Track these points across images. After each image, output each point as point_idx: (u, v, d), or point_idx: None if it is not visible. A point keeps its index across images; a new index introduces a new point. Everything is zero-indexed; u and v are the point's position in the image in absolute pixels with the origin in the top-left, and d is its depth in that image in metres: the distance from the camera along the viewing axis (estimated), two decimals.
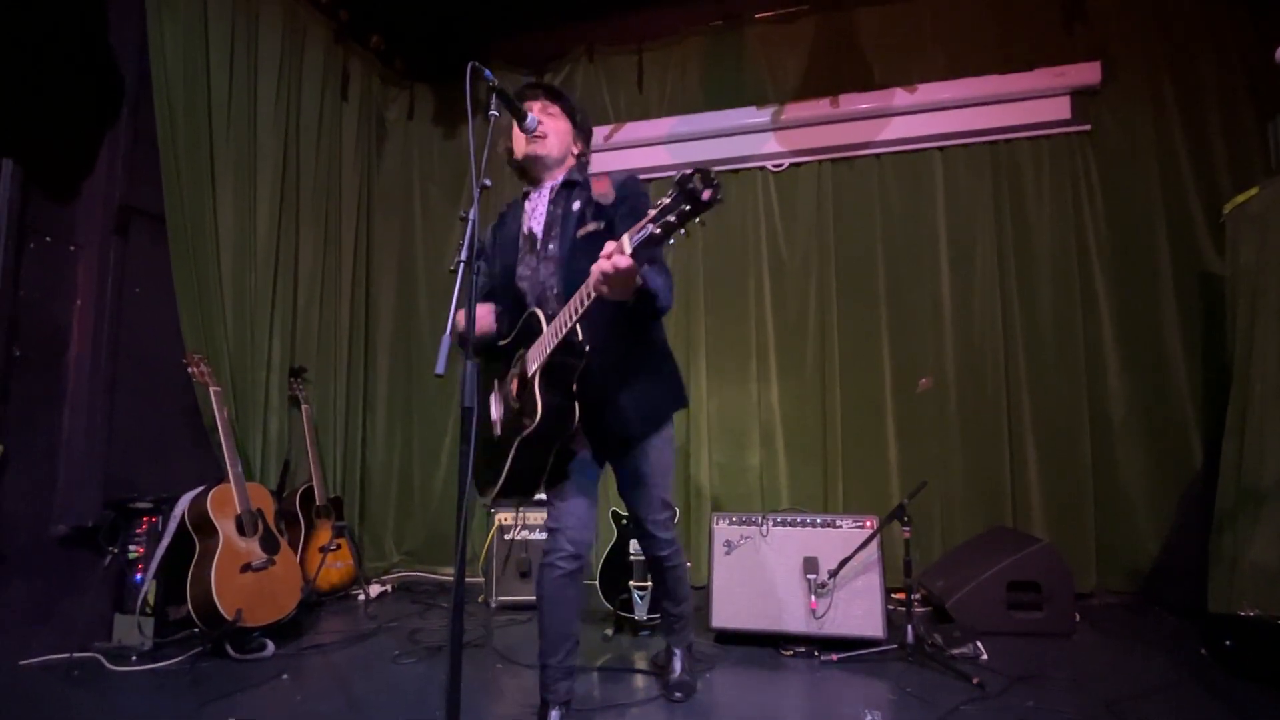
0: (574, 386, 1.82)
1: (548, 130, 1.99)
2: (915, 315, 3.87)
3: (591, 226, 1.91)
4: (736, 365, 4.07)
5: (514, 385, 1.91)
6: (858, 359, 3.90)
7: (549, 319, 1.82)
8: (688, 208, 1.36)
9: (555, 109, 2.04)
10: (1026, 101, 3.74)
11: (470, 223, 1.63)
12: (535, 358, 1.82)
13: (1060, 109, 3.70)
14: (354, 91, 4.38)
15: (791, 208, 4.11)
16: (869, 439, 3.84)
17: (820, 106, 3.98)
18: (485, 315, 2.01)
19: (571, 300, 1.70)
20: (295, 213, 3.88)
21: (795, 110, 4.02)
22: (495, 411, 2.01)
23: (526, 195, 2.09)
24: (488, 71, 1.71)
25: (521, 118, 1.90)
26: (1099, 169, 3.69)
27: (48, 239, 2.84)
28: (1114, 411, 3.56)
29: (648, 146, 4.24)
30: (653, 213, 1.43)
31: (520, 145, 2.02)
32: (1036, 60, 3.72)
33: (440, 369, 1.49)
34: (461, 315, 1.64)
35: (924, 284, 3.87)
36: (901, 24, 4.00)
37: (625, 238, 1.51)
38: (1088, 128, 3.69)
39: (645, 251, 1.49)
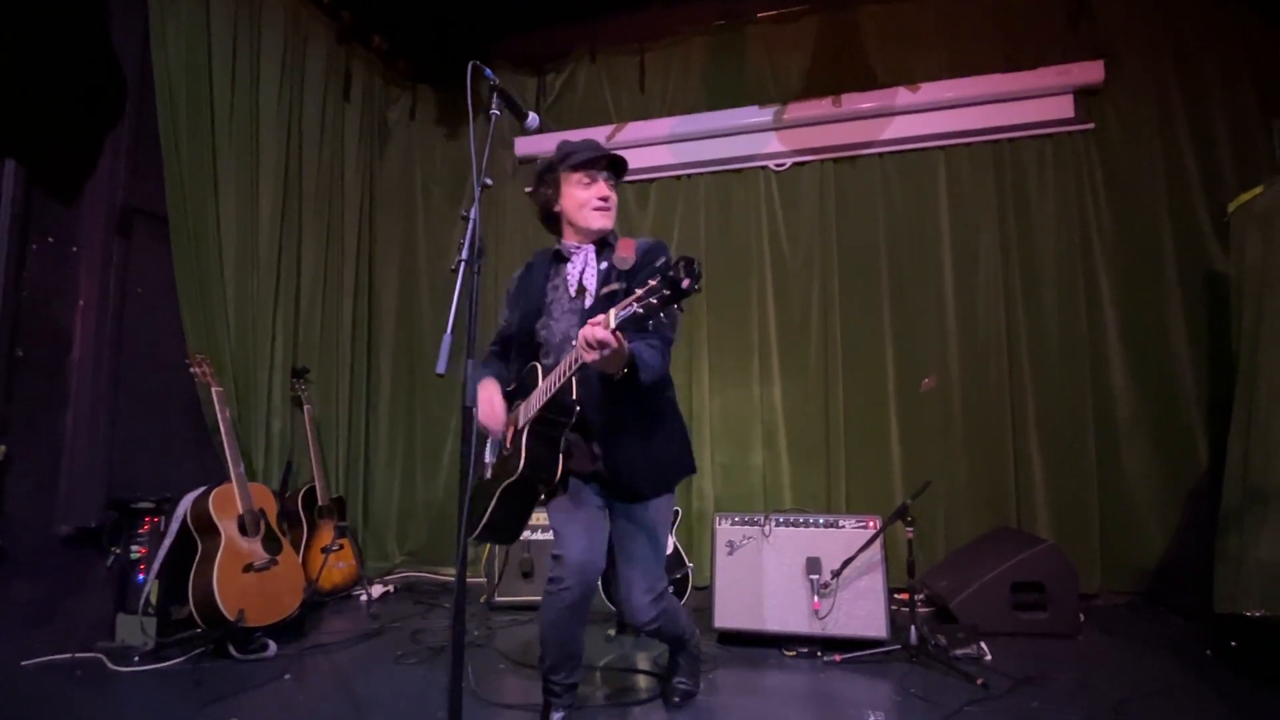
0: (561, 442, 1.87)
1: (611, 204, 2.02)
2: (918, 315, 3.86)
3: (614, 286, 1.95)
4: (739, 365, 4.06)
5: (509, 434, 1.96)
6: (860, 359, 3.89)
7: (547, 373, 1.87)
8: (668, 293, 1.43)
9: (613, 181, 2.04)
10: (1030, 100, 3.73)
11: (471, 221, 1.63)
12: (527, 412, 1.88)
13: (1064, 108, 3.69)
14: (356, 92, 4.38)
15: (794, 207, 4.10)
16: (872, 439, 3.83)
17: (822, 106, 3.97)
18: (499, 405, 1.97)
19: (563, 361, 1.75)
20: (298, 213, 3.88)
21: (797, 109, 4.02)
22: (489, 454, 2.05)
23: (564, 255, 2.05)
24: (489, 70, 1.71)
25: (522, 116, 1.89)
26: (1103, 168, 3.68)
27: (50, 239, 2.84)
28: (1119, 411, 3.55)
29: (650, 146, 4.24)
30: (639, 292, 1.48)
31: (595, 218, 1.98)
32: (1040, 59, 3.71)
33: (441, 368, 1.49)
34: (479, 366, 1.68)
35: (927, 283, 3.86)
36: (904, 23, 3.99)
37: (611, 312, 1.55)
38: (1091, 126, 3.68)
39: (631, 327, 1.54)
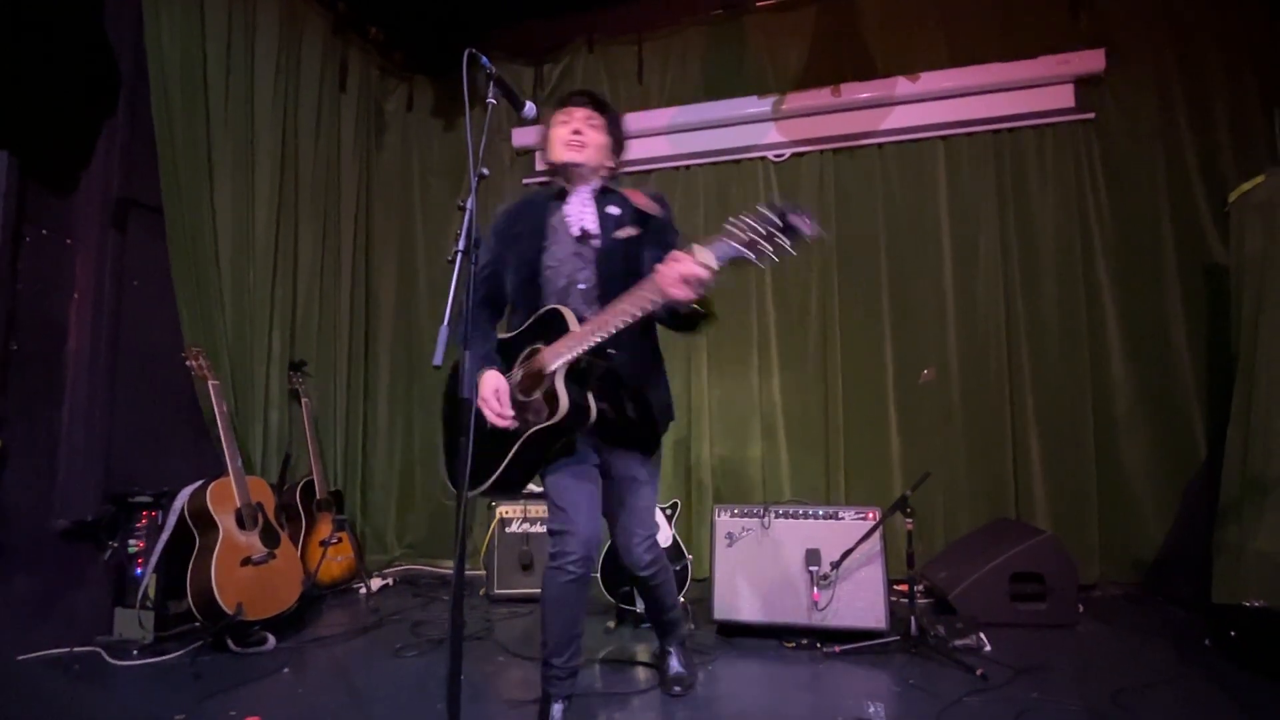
0: (591, 386, 1.85)
1: (587, 140, 2.01)
2: (917, 306, 3.84)
3: (630, 231, 1.97)
4: (738, 357, 4.05)
5: (523, 379, 1.90)
6: (859, 350, 3.88)
7: (577, 314, 1.84)
8: (785, 240, 1.45)
9: (598, 120, 2.05)
10: (1030, 90, 3.70)
11: (468, 212, 1.61)
12: (560, 354, 1.81)
13: (1064, 97, 3.67)
14: (352, 83, 4.35)
15: (793, 198, 4.07)
16: (871, 431, 3.82)
17: (822, 96, 3.95)
18: (506, 400, 1.88)
19: (622, 304, 1.71)
20: (294, 205, 3.86)
21: (796, 100, 3.99)
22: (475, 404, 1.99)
23: (561, 195, 2.07)
24: (485, 59, 1.69)
25: (519, 106, 1.88)
26: (1103, 158, 3.66)
27: (44, 231, 2.82)
28: (1118, 402, 3.54)
29: (648, 137, 4.20)
30: (739, 231, 1.49)
31: (560, 151, 2.02)
32: (1040, 48, 3.68)
33: (438, 360, 1.48)
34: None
35: (926, 275, 3.84)
36: (904, 12, 3.96)
37: (705, 250, 1.56)
38: (1092, 116, 3.65)
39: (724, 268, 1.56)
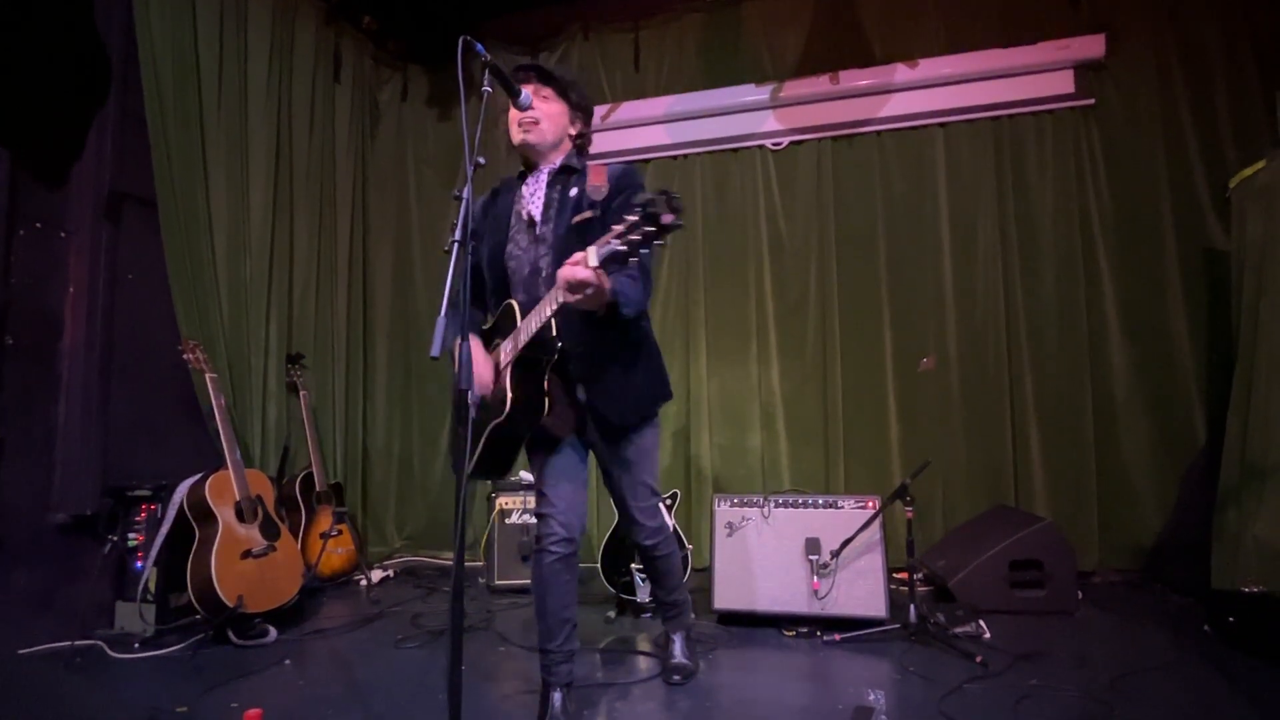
0: (545, 380, 1.86)
1: (539, 115, 1.95)
2: (917, 294, 3.83)
3: (587, 214, 1.91)
4: (737, 346, 4.04)
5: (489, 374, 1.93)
6: (859, 339, 3.87)
7: (524, 310, 1.84)
8: (651, 229, 1.41)
9: (548, 91, 1.99)
10: (1029, 76, 3.69)
11: (464, 202, 1.60)
12: (508, 350, 1.85)
13: (1064, 83, 3.65)
14: (346, 73, 4.31)
15: (791, 187, 4.06)
16: (870, 419, 3.82)
17: (820, 83, 3.92)
18: (484, 368, 1.89)
19: (543, 300, 1.75)
20: (289, 196, 3.83)
21: (794, 87, 3.97)
22: (472, 394, 2.00)
23: (523, 176, 2.06)
24: (479, 45, 1.66)
25: (515, 94, 1.86)
26: (1103, 144, 3.64)
27: (38, 225, 2.80)
28: (1117, 389, 3.54)
29: (645, 126, 4.19)
30: (618, 228, 1.46)
31: (515, 133, 1.97)
32: (1040, 34, 3.66)
33: (436, 351, 1.47)
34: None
35: (925, 262, 3.83)
36: None
37: (591, 250, 1.53)
38: (1091, 102, 3.63)
39: (612, 265, 1.52)
